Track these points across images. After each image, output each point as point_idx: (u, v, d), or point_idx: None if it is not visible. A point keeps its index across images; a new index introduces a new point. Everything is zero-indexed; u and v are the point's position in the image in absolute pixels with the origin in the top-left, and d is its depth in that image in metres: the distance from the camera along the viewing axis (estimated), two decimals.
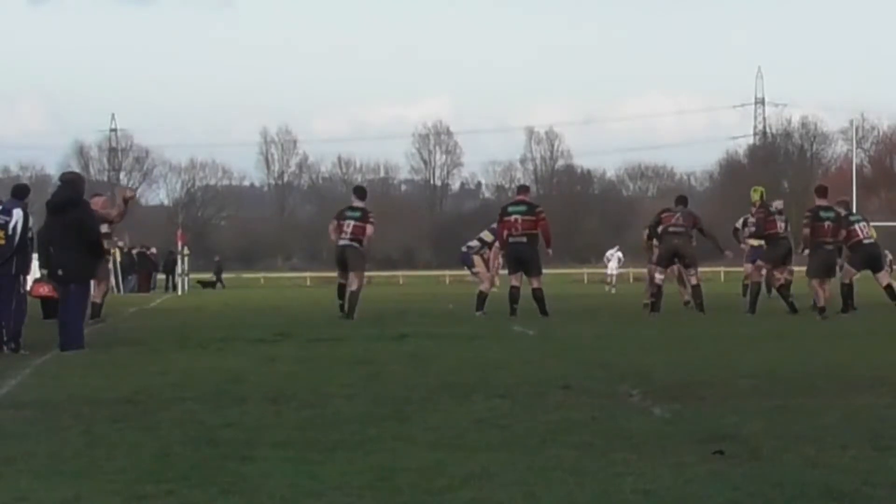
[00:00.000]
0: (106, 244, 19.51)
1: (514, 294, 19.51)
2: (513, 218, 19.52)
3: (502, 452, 6.24)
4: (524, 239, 19.47)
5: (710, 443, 6.36)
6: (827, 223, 18.54)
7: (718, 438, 6.48)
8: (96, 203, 20.72)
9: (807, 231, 18.66)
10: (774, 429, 6.89)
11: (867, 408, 7.76)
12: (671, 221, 20.07)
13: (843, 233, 19.03)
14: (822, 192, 19.25)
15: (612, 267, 46.63)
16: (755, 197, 21.77)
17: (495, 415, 7.64)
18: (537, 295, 19.42)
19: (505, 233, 19.65)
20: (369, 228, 19.20)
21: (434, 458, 6.07)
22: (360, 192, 20.23)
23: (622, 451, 6.22)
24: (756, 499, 5.13)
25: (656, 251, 21.18)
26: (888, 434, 6.64)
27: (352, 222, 19.19)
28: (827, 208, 18.79)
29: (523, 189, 21.17)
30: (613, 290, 40.33)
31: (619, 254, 47.85)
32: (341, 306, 19.24)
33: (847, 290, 19.52)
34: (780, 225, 20.35)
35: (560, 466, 5.83)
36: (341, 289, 19.50)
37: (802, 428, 6.90)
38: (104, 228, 18.34)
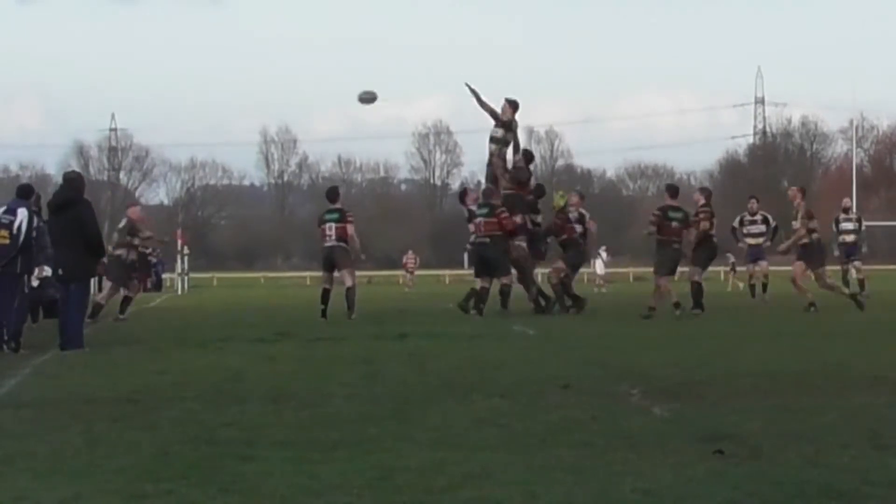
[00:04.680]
0: (127, 251, 20.11)
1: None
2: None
3: (502, 452, 6.25)
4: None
5: (709, 442, 6.36)
6: (674, 223, 19.12)
7: (718, 438, 6.48)
8: (134, 212, 21.36)
9: (653, 229, 19.33)
10: (774, 428, 6.89)
11: (867, 407, 7.76)
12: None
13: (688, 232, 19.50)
14: (672, 191, 20.05)
15: (600, 266, 46.37)
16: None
17: (495, 414, 7.64)
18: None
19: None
20: (350, 228, 19.40)
21: (434, 458, 6.07)
22: (331, 193, 20.37)
23: (622, 450, 6.22)
24: (756, 498, 5.13)
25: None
26: (888, 433, 6.64)
27: (332, 224, 19.40)
28: (676, 209, 19.38)
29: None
30: (604, 290, 40.08)
31: (604, 253, 47.50)
32: (323, 311, 19.10)
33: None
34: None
35: (560, 466, 5.83)
36: (325, 294, 19.44)
37: (802, 427, 6.90)
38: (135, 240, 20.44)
